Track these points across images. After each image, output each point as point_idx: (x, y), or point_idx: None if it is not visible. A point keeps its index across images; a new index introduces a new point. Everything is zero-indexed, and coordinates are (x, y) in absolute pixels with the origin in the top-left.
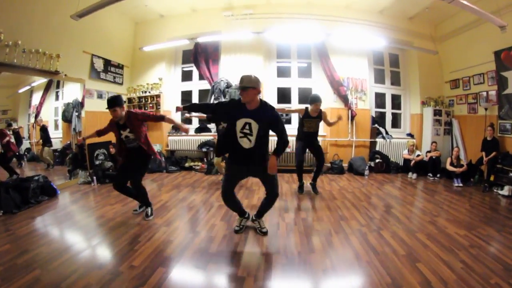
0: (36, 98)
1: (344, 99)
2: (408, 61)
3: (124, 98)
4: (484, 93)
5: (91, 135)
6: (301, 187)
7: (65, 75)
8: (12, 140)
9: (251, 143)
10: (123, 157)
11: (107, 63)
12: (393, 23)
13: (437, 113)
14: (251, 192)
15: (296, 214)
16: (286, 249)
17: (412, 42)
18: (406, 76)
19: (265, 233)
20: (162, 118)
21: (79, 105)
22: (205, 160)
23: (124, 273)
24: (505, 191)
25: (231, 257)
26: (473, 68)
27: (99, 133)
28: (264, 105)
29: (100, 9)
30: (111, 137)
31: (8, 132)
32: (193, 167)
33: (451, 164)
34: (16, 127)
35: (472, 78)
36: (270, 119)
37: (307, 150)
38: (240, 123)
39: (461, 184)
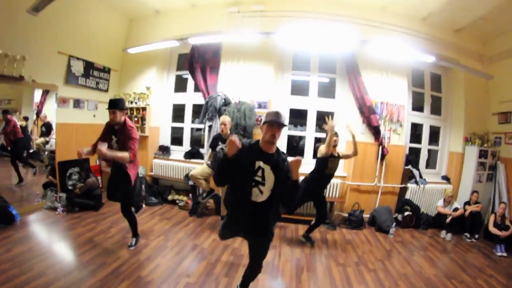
0: (37, 95)
1: (375, 131)
2: (453, 84)
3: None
4: None
5: (92, 149)
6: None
7: (33, 80)
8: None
9: (262, 196)
10: (111, 169)
11: (89, 65)
12: (437, 34)
13: (482, 154)
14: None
15: None
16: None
17: (458, 61)
18: (448, 103)
19: None
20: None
21: None
22: (190, 196)
23: None
24: None
25: None
26: None
27: (95, 145)
28: (277, 150)
29: None
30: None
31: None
32: (177, 201)
33: (495, 224)
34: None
35: None
36: (285, 165)
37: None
38: (253, 167)
39: (504, 254)
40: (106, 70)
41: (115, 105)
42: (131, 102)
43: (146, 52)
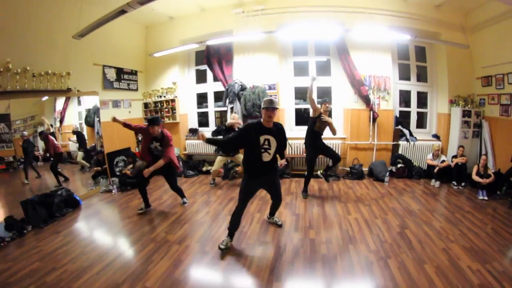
0: (59, 104)
1: (366, 100)
2: (436, 54)
3: (140, 103)
4: None
5: (121, 121)
6: (305, 191)
7: (78, 90)
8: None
9: (270, 156)
10: (149, 160)
11: (120, 71)
12: (419, 12)
13: (466, 114)
14: (264, 203)
15: (305, 234)
16: (288, 278)
17: (440, 34)
18: (433, 71)
19: (280, 225)
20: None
21: (98, 111)
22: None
23: None
24: None
25: (238, 279)
26: (509, 65)
27: (127, 125)
28: (274, 123)
29: (100, 26)
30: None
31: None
32: (211, 171)
33: (478, 173)
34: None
35: (507, 76)
36: (281, 132)
37: (318, 155)
38: (261, 140)
39: (486, 197)
40: (134, 73)
41: (154, 122)
42: (160, 96)
43: (166, 54)
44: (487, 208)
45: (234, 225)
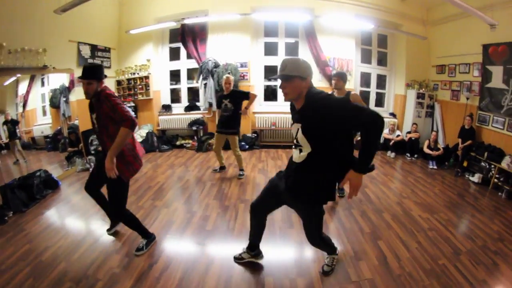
0: (22, 88)
1: (330, 79)
2: (397, 42)
3: (113, 80)
4: (468, 83)
5: None
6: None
7: (54, 67)
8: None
9: (299, 158)
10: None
11: (94, 48)
12: (385, 4)
13: (420, 96)
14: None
15: None
16: (270, 225)
17: (402, 25)
18: (393, 57)
19: (325, 273)
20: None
21: (66, 91)
22: (195, 138)
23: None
24: (475, 178)
25: (225, 233)
26: (461, 57)
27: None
28: (311, 97)
29: (85, 2)
30: None
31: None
32: (184, 145)
33: (428, 147)
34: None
35: (458, 67)
36: (322, 112)
37: None
38: (293, 129)
39: (435, 167)
40: (107, 50)
41: (92, 73)
42: (133, 74)
43: (141, 31)
44: (436, 175)
45: (256, 229)
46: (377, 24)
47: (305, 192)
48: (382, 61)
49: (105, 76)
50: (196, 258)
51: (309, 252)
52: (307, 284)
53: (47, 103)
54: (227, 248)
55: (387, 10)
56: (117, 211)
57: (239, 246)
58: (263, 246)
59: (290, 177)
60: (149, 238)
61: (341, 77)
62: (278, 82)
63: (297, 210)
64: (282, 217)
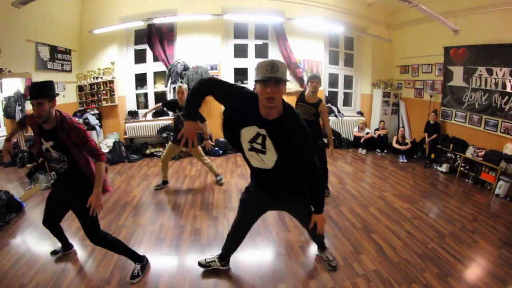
0: None
1: (300, 81)
2: (363, 44)
3: (74, 86)
4: (431, 82)
5: (13, 130)
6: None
7: (9, 71)
8: None
9: (265, 164)
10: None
11: (53, 49)
12: (352, 8)
13: (386, 94)
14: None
15: None
16: (266, 230)
17: (368, 28)
18: (359, 58)
19: (334, 267)
20: (99, 158)
21: (22, 98)
22: (166, 146)
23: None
24: (443, 168)
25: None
26: (423, 58)
27: (21, 123)
28: (291, 111)
29: None
30: None
31: None
32: (155, 153)
33: (397, 142)
34: None
35: (421, 67)
36: (296, 135)
37: None
38: (248, 133)
39: (405, 160)
40: (68, 52)
41: (42, 91)
42: (96, 78)
43: (104, 32)
44: (407, 168)
45: (227, 243)
46: (345, 27)
47: (293, 187)
48: (348, 64)
49: (57, 94)
50: (200, 276)
51: (312, 254)
52: (319, 284)
53: (0, 112)
54: (232, 261)
55: (354, 14)
56: (94, 233)
57: (243, 256)
58: (267, 255)
59: (271, 185)
60: (142, 261)
61: (320, 80)
62: (247, 85)
63: (292, 211)
64: (276, 221)
